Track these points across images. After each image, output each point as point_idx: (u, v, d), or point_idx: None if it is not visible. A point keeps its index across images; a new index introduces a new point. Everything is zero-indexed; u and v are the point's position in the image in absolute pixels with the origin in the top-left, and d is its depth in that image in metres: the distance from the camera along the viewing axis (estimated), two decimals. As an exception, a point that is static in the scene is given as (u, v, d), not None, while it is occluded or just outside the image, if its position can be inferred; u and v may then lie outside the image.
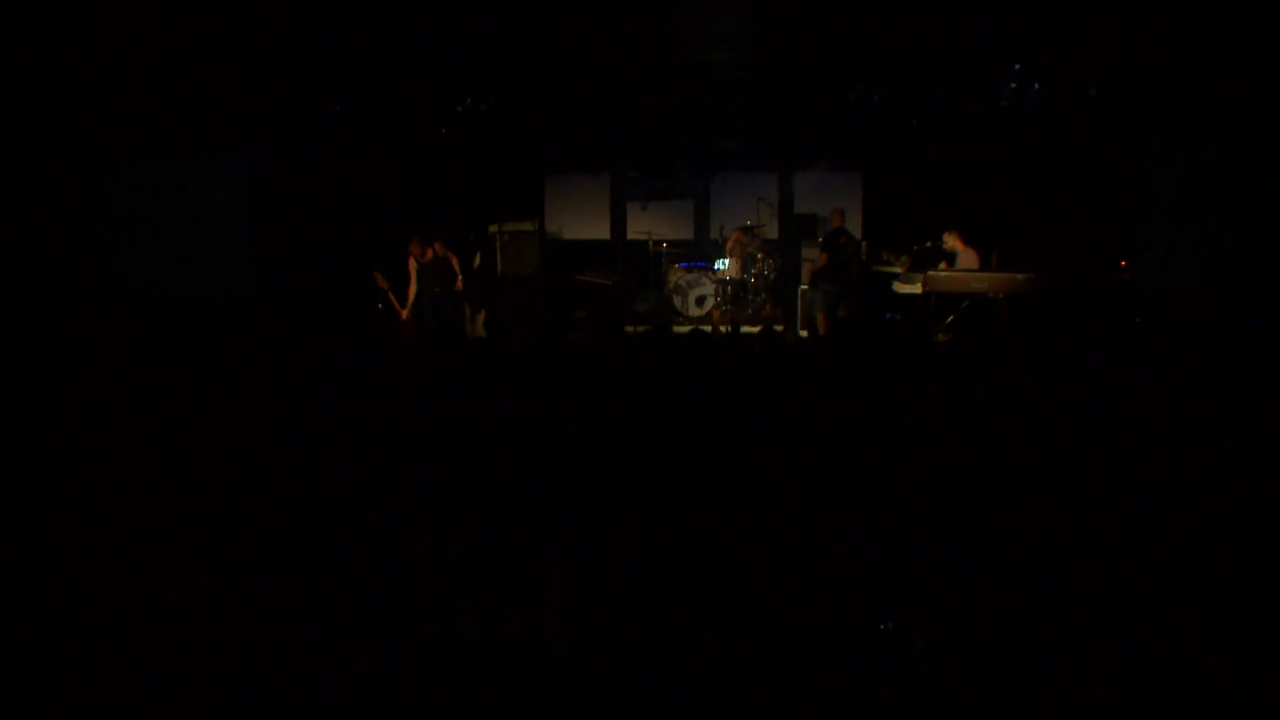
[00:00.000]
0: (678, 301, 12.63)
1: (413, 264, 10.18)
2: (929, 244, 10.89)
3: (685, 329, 11.99)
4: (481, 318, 11.13)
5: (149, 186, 10.31)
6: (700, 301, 12.57)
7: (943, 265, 10.40)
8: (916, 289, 10.35)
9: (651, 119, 11.89)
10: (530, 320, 11.64)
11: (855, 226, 12.81)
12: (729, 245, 12.55)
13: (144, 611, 3.59)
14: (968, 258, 10.48)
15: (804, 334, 11.44)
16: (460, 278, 10.49)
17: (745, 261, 12.46)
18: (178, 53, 9.23)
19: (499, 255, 11.58)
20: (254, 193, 10.41)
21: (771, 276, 12.60)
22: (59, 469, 5.14)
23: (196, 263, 10.33)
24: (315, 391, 6.91)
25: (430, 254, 10.20)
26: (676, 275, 12.70)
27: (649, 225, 13.08)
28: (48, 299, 9.59)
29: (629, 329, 11.27)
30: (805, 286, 11.65)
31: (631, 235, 13.34)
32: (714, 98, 11.38)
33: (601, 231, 13.49)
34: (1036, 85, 9.50)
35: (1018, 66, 9.33)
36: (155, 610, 3.58)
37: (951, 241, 10.57)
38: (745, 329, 12.00)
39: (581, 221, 13.52)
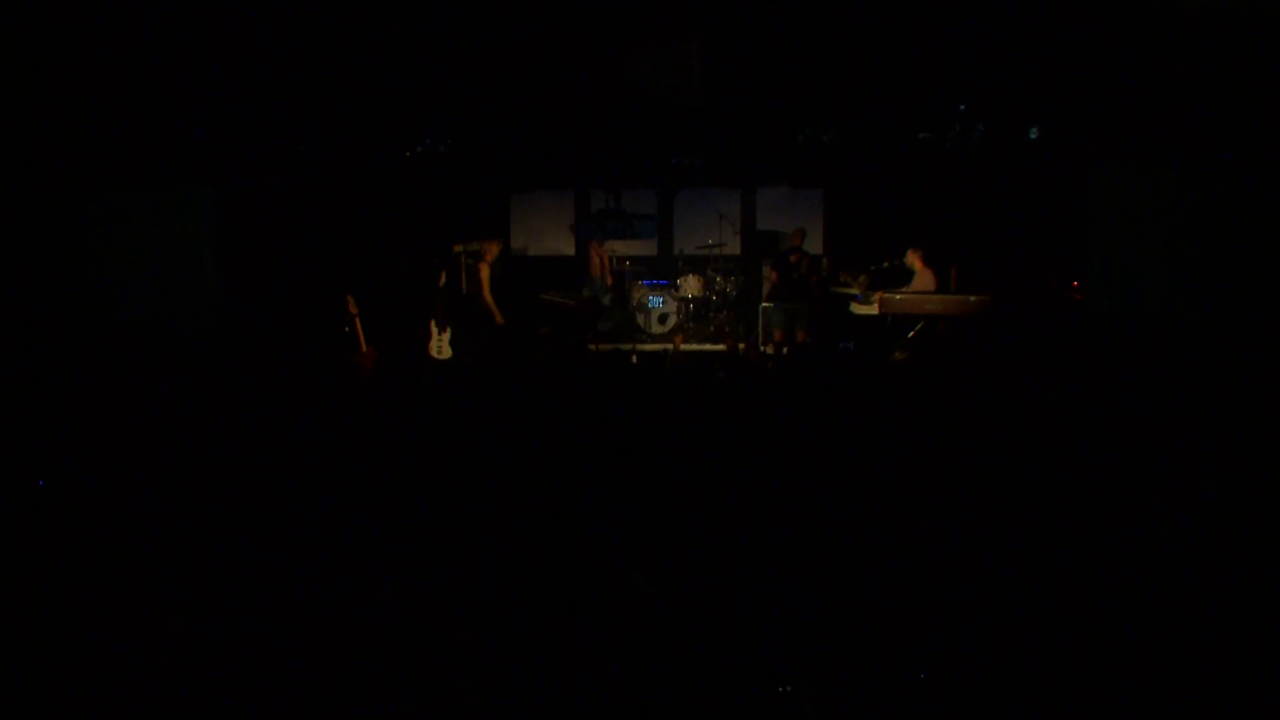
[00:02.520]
0: (641, 319, 12.80)
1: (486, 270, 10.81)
2: (886, 264, 11.11)
3: (649, 347, 12.22)
4: (447, 337, 11.25)
5: (115, 217, 10.32)
6: (663, 319, 12.75)
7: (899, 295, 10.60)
8: (873, 310, 10.55)
9: (614, 138, 12.04)
10: (494, 338, 11.78)
11: (816, 244, 13.01)
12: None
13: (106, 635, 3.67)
14: (925, 278, 10.68)
15: (767, 350, 11.65)
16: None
17: (707, 280, 12.67)
18: (143, 82, 9.28)
19: (464, 275, 11.72)
20: (221, 221, 10.44)
21: (734, 294, 12.79)
22: (23, 498, 5.23)
23: (163, 293, 10.35)
24: (282, 420, 7.02)
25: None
26: (640, 293, 12.87)
27: (612, 243, 13.25)
28: (12, 330, 9.59)
29: (592, 347, 11.44)
30: (767, 304, 11.87)
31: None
32: (675, 119, 11.55)
33: (567, 248, 13.62)
34: (981, 126, 9.76)
35: (962, 107, 9.56)
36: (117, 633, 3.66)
37: (912, 259, 10.77)
38: (709, 347, 12.22)
39: (547, 238, 13.64)
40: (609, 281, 12.94)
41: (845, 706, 2.66)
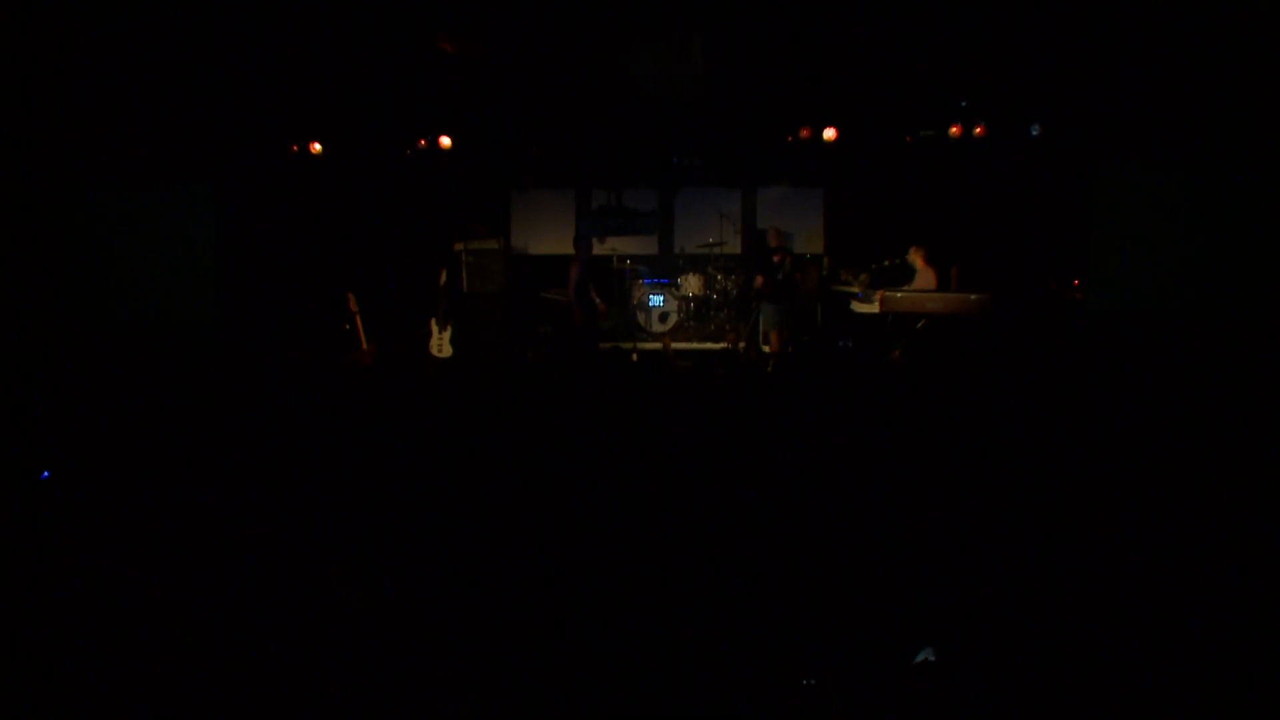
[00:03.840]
0: (641, 318, 12.78)
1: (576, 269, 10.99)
2: (887, 262, 11.09)
3: (650, 345, 12.19)
4: (448, 335, 11.23)
5: (116, 214, 10.29)
6: (664, 318, 12.73)
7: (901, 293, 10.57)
8: (874, 308, 10.52)
9: (615, 136, 12.02)
10: (495, 337, 11.76)
11: (817, 243, 13.00)
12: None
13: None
14: (926, 276, 10.66)
15: (766, 349, 11.65)
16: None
17: (707, 278, 12.65)
18: (143, 80, 9.24)
19: (464, 273, 11.69)
20: (221, 218, 10.40)
21: (734, 293, 12.77)
22: (25, 495, 5.20)
23: (164, 290, 10.31)
24: (282, 418, 6.99)
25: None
26: (640, 292, 12.84)
27: (613, 242, 13.21)
28: (11, 329, 9.55)
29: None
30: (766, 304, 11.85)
31: (597, 251, 13.44)
32: (676, 118, 11.53)
33: (567, 247, 13.54)
34: (982, 124, 9.76)
35: (964, 104, 9.55)
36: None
37: (915, 257, 10.75)
38: (709, 345, 12.20)
39: (547, 237, 13.59)
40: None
41: (868, 699, 2.65)
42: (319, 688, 3.26)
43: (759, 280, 11.38)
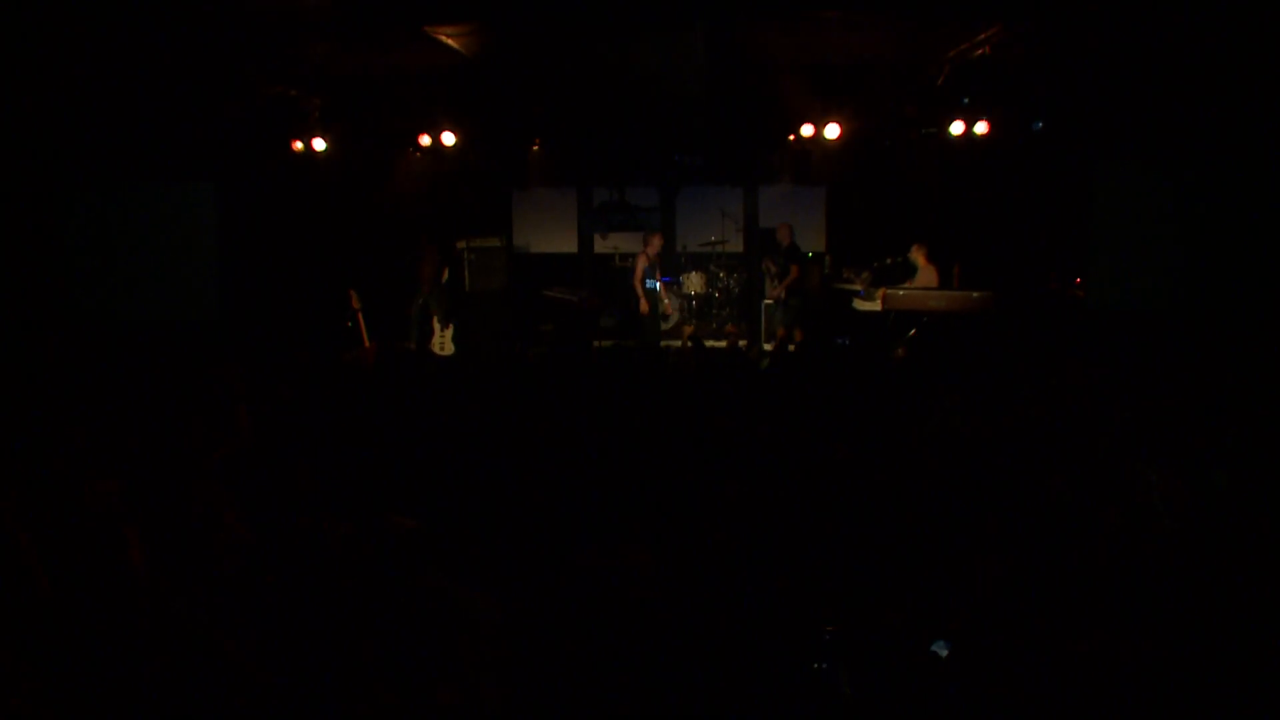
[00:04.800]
0: (644, 316, 12.77)
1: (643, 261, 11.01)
2: (889, 260, 11.11)
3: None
4: (449, 333, 11.25)
5: (117, 212, 10.29)
6: (665, 317, 12.74)
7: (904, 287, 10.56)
8: (876, 306, 10.54)
9: (617, 134, 12.01)
10: (497, 335, 11.77)
11: (819, 241, 13.02)
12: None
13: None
14: (928, 274, 10.68)
15: (768, 347, 11.66)
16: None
17: (710, 276, 12.66)
18: (144, 76, 9.24)
19: (466, 271, 11.69)
20: (223, 217, 10.41)
21: (737, 291, 12.79)
22: (25, 496, 5.20)
23: (165, 289, 10.31)
24: (283, 417, 6.99)
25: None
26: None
27: (616, 240, 13.22)
28: (12, 327, 9.54)
29: (596, 344, 11.42)
30: (769, 301, 11.85)
31: (598, 250, 13.46)
32: (678, 116, 11.53)
33: (569, 245, 13.58)
34: (986, 121, 9.77)
35: (966, 100, 9.56)
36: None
37: (917, 255, 10.77)
38: (710, 343, 12.20)
39: (549, 236, 13.61)
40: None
41: (880, 684, 2.66)
42: (319, 687, 3.26)
43: (794, 271, 11.29)
